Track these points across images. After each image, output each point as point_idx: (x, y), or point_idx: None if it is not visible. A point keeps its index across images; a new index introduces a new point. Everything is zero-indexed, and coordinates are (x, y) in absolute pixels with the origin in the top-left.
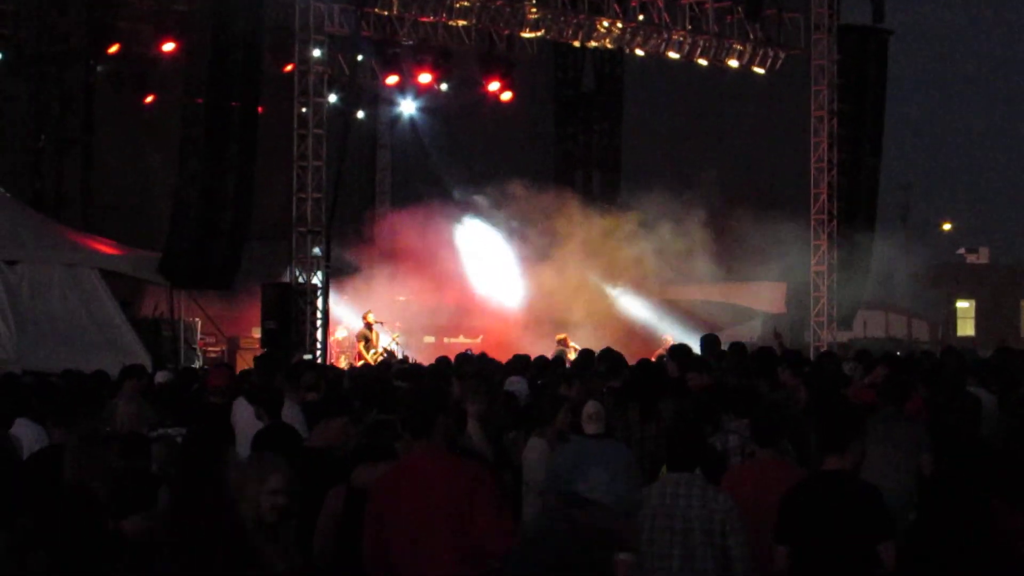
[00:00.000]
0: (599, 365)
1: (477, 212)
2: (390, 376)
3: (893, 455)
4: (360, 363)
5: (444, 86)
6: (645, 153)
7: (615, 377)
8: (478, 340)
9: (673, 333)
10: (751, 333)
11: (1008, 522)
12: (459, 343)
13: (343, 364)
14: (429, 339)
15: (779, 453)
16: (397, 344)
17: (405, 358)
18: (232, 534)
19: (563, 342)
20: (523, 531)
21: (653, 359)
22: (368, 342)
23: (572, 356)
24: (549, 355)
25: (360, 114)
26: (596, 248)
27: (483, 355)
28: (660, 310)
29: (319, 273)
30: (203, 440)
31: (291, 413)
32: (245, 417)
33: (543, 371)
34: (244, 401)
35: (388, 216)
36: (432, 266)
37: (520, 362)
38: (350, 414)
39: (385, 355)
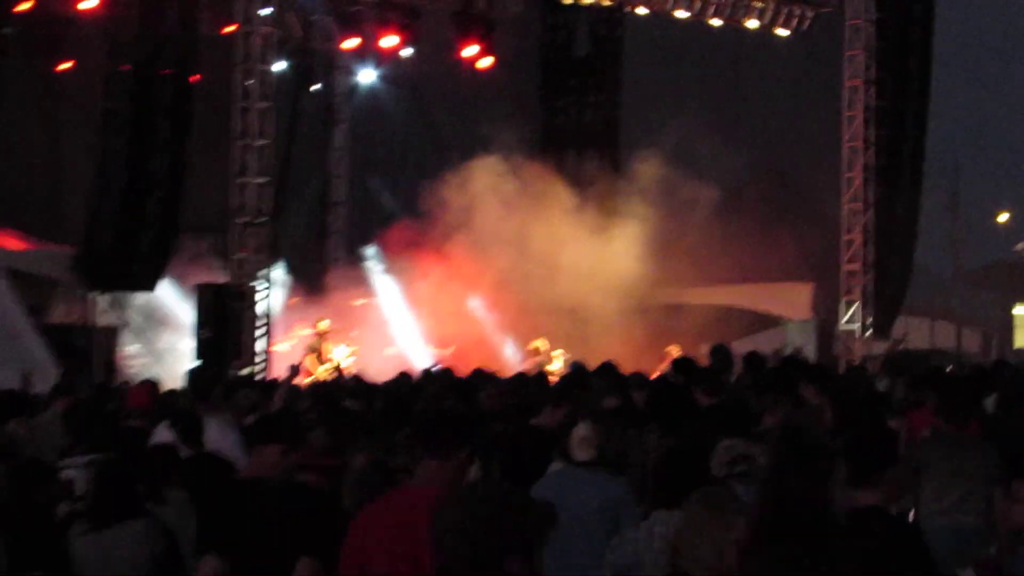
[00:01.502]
0: (597, 381)
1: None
2: (341, 396)
3: (961, 486)
4: (308, 379)
5: (411, 51)
6: (648, 130)
7: (615, 396)
8: (448, 352)
9: (678, 343)
10: (771, 342)
11: None
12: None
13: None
14: (393, 351)
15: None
16: (354, 358)
17: (356, 376)
18: None
19: (534, 353)
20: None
21: (656, 374)
22: (319, 355)
23: (554, 366)
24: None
25: (316, 87)
26: (587, 242)
27: (447, 371)
28: (663, 316)
29: (263, 272)
30: (112, 473)
31: (225, 438)
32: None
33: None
34: (166, 427)
35: (345, 204)
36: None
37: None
38: (289, 440)
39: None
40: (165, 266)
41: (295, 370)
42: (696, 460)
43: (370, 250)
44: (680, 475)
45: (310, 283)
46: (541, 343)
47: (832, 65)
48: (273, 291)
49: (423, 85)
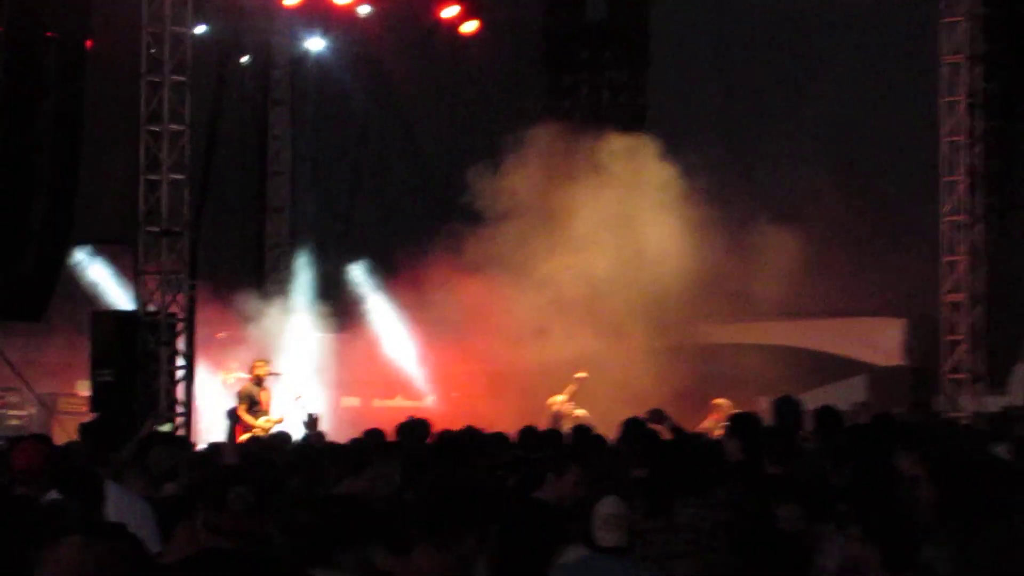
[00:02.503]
0: (620, 444)
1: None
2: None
3: None
4: (244, 436)
5: (370, 10)
6: (683, 115)
7: (645, 462)
8: (426, 403)
9: (728, 394)
10: (850, 394)
11: None
12: (396, 407)
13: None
14: (350, 401)
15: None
16: (302, 408)
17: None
18: None
19: (560, 412)
20: None
21: (701, 430)
22: (255, 405)
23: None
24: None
25: (244, 56)
26: (608, 264)
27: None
28: (707, 360)
29: (181, 295)
30: None
31: (133, 511)
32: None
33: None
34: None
35: (285, 209)
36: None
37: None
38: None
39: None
40: (53, 289)
41: (234, 417)
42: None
43: (357, 268)
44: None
45: (239, 310)
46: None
47: (926, 36)
48: (192, 320)
49: (387, 56)
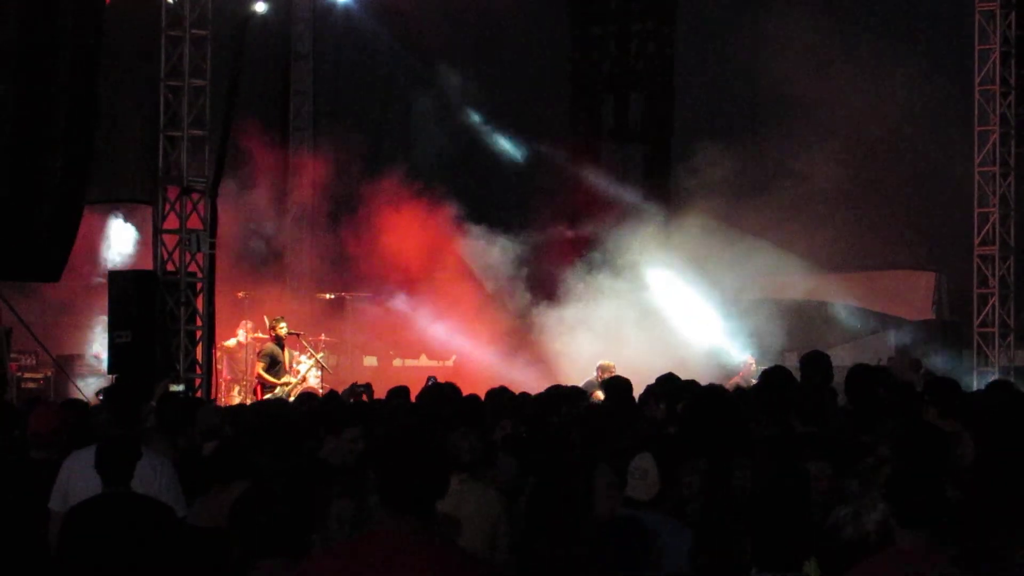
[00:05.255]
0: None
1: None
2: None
3: None
4: (267, 396)
5: None
6: (711, 70)
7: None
8: (449, 363)
9: (754, 352)
10: (881, 350)
11: None
12: (419, 366)
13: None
14: (370, 360)
15: (934, 539)
16: (323, 368)
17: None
18: None
19: (609, 371)
20: None
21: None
22: (277, 364)
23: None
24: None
25: (262, 6)
26: (635, 214)
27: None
28: (735, 316)
29: (200, 255)
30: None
31: (158, 475)
32: (84, 482)
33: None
34: (84, 456)
35: (308, 165)
36: (375, 248)
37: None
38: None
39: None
40: (70, 249)
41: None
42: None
43: None
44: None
45: (264, 269)
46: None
47: (961, 62)
48: (212, 280)
49: (414, 9)
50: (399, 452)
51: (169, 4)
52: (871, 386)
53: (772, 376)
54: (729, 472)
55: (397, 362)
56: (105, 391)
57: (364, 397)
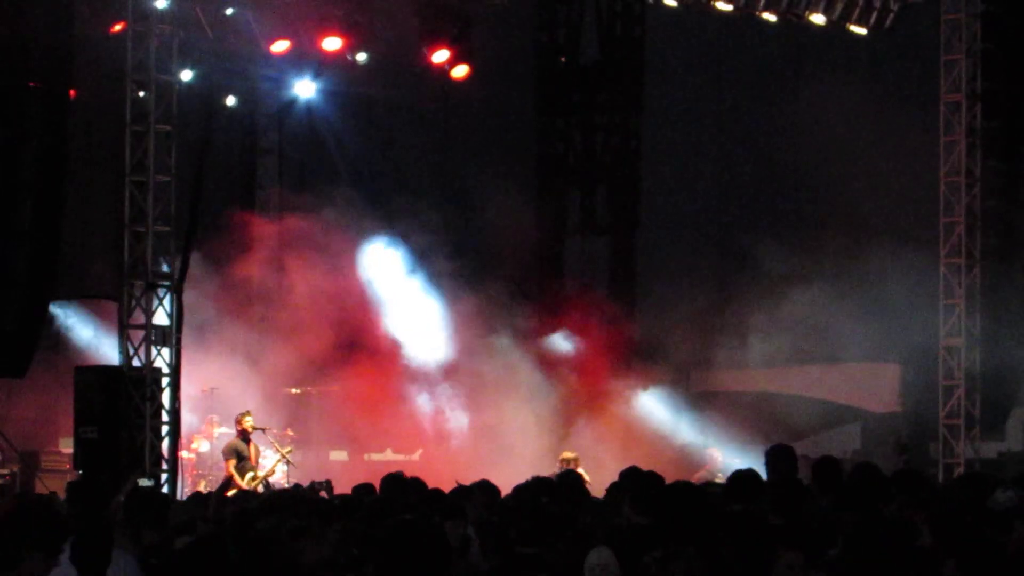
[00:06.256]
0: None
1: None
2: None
3: None
4: (232, 492)
5: (362, 56)
6: (677, 159)
7: (647, 513)
8: (415, 456)
9: (722, 447)
10: (847, 443)
11: None
12: (386, 461)
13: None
14: (339, 455)
15: None
16: (289, 464)
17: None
18: None
19: (572, 463)
20: None
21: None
22: (242, 460)
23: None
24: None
25: (231, 100)
26: (596, 309)
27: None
28: (701, 409)
29: (167, 350)
30: None
31: (122, 570)
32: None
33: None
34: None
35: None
36: (343, 342)
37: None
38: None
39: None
40: (36, 344)
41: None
42: None
43: None
44: None
45: (231, 365)
46: (574, 456)
47: (925, 75)
48: (178, 375)
49: (379, 103)
50: (405, 542)
51: (134, 99)
52: (835, 477)
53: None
54: (720, 558)
55: (367, 456)
56: (69, 486)
57: (323, 494)
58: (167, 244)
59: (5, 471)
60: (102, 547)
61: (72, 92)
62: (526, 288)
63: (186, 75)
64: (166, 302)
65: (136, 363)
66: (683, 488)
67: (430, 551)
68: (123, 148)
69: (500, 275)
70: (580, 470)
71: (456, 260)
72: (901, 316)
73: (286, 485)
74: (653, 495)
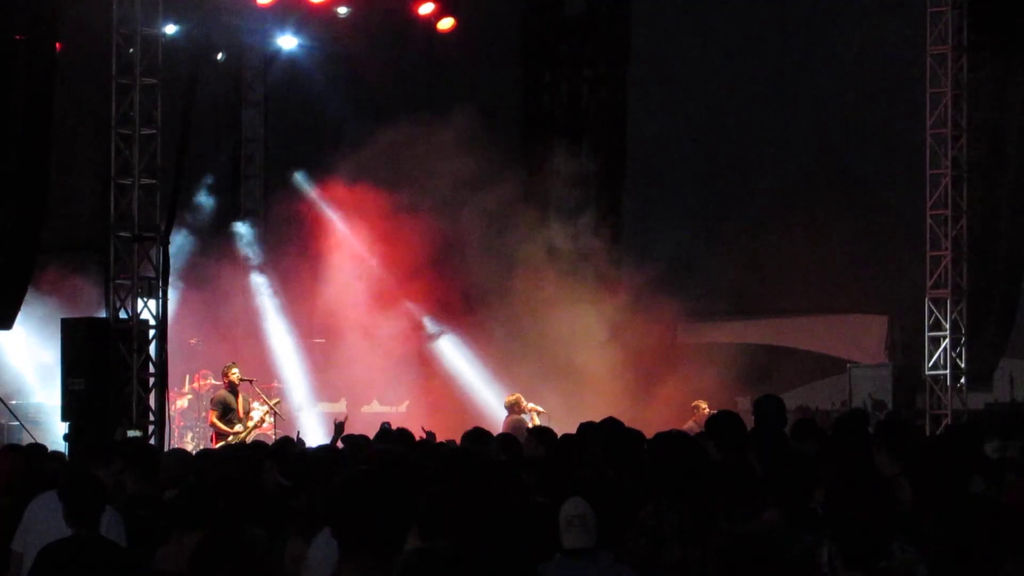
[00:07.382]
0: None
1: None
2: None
3: None
4: (219, 444)
5: (345, 9)
6: (665, 114)
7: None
8: (402, 408)
9: (708, 394)
10: (832, 393)
11: None
12: (373, 413)
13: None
14: (327, 407)
15: None
16: (276, 415)
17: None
18: None
19: (516, 406)
20: None
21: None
22: (230, 412)
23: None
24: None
25: (217, 55)
26: (582, 258)
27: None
28: (687, 360)
29: (153, 302)
30: None
31: (110, 522)
32: (48, 524)
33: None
34: (49, 498)
35: (259, 212)
36: (328, 291)
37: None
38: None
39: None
40: (22, 296)
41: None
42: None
43: None
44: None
45: (218, 315)
46: (516, 397)
47: (911, 26)
48: (165, 326)
49: (363, 55)
50: (364, 490)
51: (120, 52)
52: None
53: (719, 422)
54: (712, 511)
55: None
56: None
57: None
58: (153, 196)
59: None
60: (96, 501)
61: (58, 45)
62: None
63: (170, 28)
64: (152, 254)
65: (123, 315)
66: (675, 437)
67: (389, 498)
68: (109, 101)
69: None
70: (531, 405)
71: None
72: (888, 268)
73: (272, 436)
74: (650, 445)
